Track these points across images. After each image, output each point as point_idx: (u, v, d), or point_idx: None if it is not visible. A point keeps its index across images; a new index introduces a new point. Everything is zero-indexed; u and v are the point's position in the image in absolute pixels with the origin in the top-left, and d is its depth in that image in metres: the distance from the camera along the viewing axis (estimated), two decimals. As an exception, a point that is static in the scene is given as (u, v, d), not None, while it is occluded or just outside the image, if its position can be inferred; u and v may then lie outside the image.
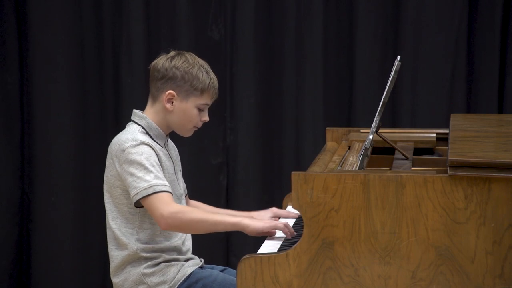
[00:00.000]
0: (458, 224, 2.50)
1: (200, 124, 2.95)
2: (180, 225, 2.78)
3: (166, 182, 2.80)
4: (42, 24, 4.55)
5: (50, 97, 4.60)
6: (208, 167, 4.62)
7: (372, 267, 2.54)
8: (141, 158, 2.79)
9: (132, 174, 2.78)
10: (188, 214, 2.76)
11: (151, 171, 2.77)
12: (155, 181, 2.76)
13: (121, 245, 2.86)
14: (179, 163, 3.05)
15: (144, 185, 2.76)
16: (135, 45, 4.53)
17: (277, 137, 4.60)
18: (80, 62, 4.59)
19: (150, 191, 2.76)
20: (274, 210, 3.12)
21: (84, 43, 4.58)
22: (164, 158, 2.89)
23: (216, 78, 2.94)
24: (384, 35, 4.51)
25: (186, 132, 2.95)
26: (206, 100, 2.92)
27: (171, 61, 2.89)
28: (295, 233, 2.86)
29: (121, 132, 2.91)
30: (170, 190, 2.79)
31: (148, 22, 4.54)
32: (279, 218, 3.08)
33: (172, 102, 2.88)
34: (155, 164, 2.80)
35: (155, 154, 2.83)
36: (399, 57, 2.99)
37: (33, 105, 4.60)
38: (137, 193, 2.77)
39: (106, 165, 2.89)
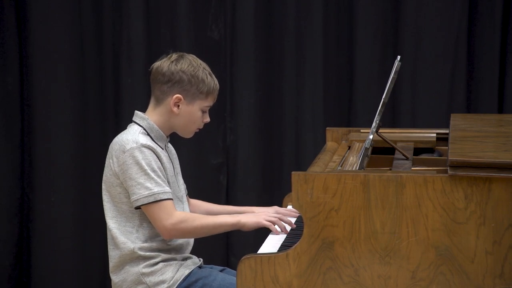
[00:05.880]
0: (458, 224, 2.50)
1: (202, 126, 2.97)
2: (183, 235, 2.85)
3: (167, 188, 2.81)
4: (42, 24, 4.56)
5: (50, 97, 4.60)
6: (208, 167, 4.62)
7: (372, 267, 2.54)
8: (142, 163, 2.79)
9: (132, 178, 2.79)
10: (190, 223, 2.81)
11: (152, 177, 2.79)
12: (156, 189, 2.78)
13: (119, 244, 2.86)
14: (178, 165, 3.06)
15: (145, 192, 2.78)
16: (135, 45, 4.53)
17: (277, 137, 4.60)
18: (80, 62, 4.59)
19: (151, 199, 2.78)
20: (276, 208, 3.14)
21: (84, 43, 4.58)
22: (165, 160, 2.89)
23: (216, 79, 2.96)
24: (384, 35, 4.51)
25: (189, 134, 2.97)
26: (210, 102, 2.94)
27: (176, 65, 2.90)
28: (293, 226, 2.91)
29: (122, 132, 2.91)
30: (171, 197, 2.81)
31: (148, 22, 4.54)
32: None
33: (179, 106, 2.90)
34: (156, 168, 2.81)
35: (156, 157, 2.83)
36: (399, 57, 2.99)
37: (33, 105, 4.61)
38: (138, 199, 2.79)
39: (106, 164, 2.89)
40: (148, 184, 2.78)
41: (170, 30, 4.56)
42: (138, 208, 2.83)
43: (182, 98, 2.89)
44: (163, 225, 2.79)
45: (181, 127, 2.94)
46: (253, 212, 3.07)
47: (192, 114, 2.91)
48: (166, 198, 2.79)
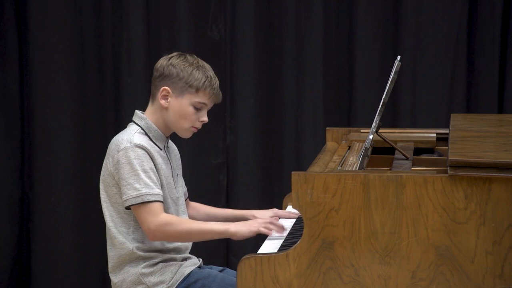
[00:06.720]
0: (458, 224, 2.50)
1: (198, 125, 2.94)
2: (168, 238, 2.83)
3: (156, 190, 2.79)
4: (42, 24, 4.56)
5: (50, 97, 4.60)
6: (208, 167, 4.62)
7: (372, 267, 2.54)
8: (134, 163, 2.79)
9: (123, 178, 2.79)
10: (175, 227, 2.79)
11: (142, 178, 2.78)
12: (144, 190, 2.77)
13: (117, 245, 2.86)
14: (180, 166, 3.04)
15: (133, 193, 2.77)
16: (135, 45, 4.53)
17: (277, 137, 4.60)
18: (80, 62, 4.59)
19: (139, 200, 2.77)
20: (275, 211, 3.13)
21: (84, 43, 4.58)
22: (161, 161, 2.88)
23: (217, 80, 2.93)
24: (384, 35, 4.51)
25: (184, 131, 2.93)
26: (202, 99, 2.91)
27: (169, 60, 2.91)
28: (284, 228, 2.88)
29: (120, 132, 2.91)
30: (160, 199, 2.80)
31: (148, 22, 4.54)
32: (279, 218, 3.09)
33: (167, 99, 2.89)
34: (148, 169, 2.80)
35: (149, 157, 2.82)
36: (399, 57, 2.99)
37: (33, 105, 4.61)
38: (126, 199, 2.79)
39: (103, 164, 2.89)
40: (137, 185, 2.78)
41: (170, 30, 4.56)
42: (128, 208, 2.82)
43: (170, 91, 2.88)
44: (147, 226, 2.78)
45: (172, 123, 2.91)
46: (252, 215, 3.06)
47: (182, 108, 2.89)
48: (154, 200, 2.78)
